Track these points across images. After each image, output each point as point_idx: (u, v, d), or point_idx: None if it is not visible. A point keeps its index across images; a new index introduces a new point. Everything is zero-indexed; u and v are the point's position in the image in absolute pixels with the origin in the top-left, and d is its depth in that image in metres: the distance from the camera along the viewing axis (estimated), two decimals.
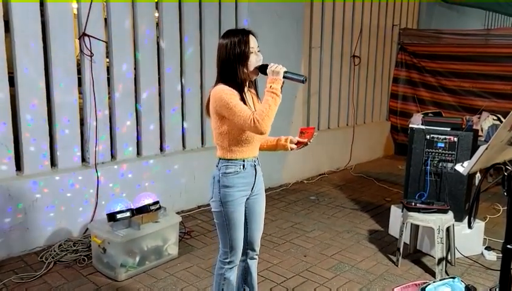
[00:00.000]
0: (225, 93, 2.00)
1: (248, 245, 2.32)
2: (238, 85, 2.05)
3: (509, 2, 6.02)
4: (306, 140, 2.18)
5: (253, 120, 1.92)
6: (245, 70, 2.06)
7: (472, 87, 6.40)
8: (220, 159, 2.15)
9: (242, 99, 2.03)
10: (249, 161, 2.15)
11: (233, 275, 2.25)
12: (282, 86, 1.98)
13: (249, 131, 2.02)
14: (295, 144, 2.23)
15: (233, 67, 2.05)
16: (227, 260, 2.22)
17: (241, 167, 2.12)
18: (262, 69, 2.05)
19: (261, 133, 1.97)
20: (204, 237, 3.81)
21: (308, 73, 5.78)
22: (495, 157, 1.64)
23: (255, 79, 2.18)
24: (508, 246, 1.71)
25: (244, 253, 2.33)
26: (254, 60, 2.06)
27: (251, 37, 2.07)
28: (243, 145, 2.10)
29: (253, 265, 2.38)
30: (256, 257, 2.38)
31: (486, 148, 1.50)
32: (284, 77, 1.96)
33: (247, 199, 2.23)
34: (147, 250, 3.25)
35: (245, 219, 2.27)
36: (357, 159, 6.59)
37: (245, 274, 2.38)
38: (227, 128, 2.06)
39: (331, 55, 6.09)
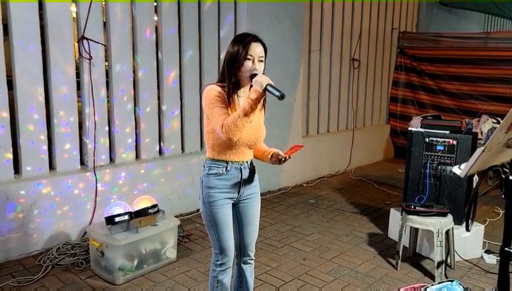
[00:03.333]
0: (211, 93, 2.04)
1: (241, 249, 2.30)
2: (229, 87, 2.07)
3: (505, 3, 6.03)
4: (283, 156, 2.09)
5: (222, 126, 1.94)
6: (238, 75, 2.06)
7: (472, 90, 6.40)
8: (207, 158, 2.18)
9: (229, 102, 2.05)
10: (234, 164, 2.13)
11: (226, 278, 2.24)
12: (261, 98, 1.92)
13: None
14: (276, 158, 2.15)
15: (229, 69, 2.07)
16: (219, 262, 2.21)
17: (224, 169, 2.12)
18: (253, 78, 2.01)
19: (229, 140, 1.97)
20: (202, 241, 3.80)
21: (307, 76, 5.79)
22: (493, 160, 1.64)
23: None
24: (506, 249, 1.70)
25: (238, 257, 2.32)
26: (247, 68, 2.03)
27: (254, 45, 2.04)
28: (226, 147, 2.09)
29: (248, 270, 2.35)
30: (251, 262, 2.35)
31: (483, 151, 1.49)
32: (265, 89, 1.91)
33: (237, 202, 2.22)
34: (145, 254, 3.24)
35: (238, 222, 2.26)
36: (356, 163, 6.58)
37: (240, 280, 2.37)
38: (212, 127, 2.08)
39: (330, 58, 6.10)
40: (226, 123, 1.93)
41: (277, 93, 1.87)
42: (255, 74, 2.00)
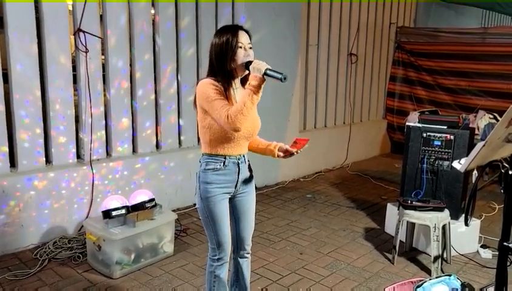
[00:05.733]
0: (208, 86, 2.01)
1: (238, 243, 2.30)
2: (224, 79, 2.04)
3: (509, 3, 6.02)
4: (294, 150, 2.12)
5: (227, 117, 1.90)
6: (232, 65, 2.04)
7: (469, 86, 6.41)
8: (203, 154, 2.15)
9: (227, 95, 2.02)
10: (232, 158, 2.11)
11: (223, 272, 2.23)
12: (262, 83, 1.90)
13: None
14: (283, 152, 2.18)
15: (220, 61, 2.04)
16: (216, 257, 2.20)
17: (222, 163, 2.10)
18: (248, 66, 1.98)
19: (235, 131, 1.95)
20: (199, 235, 3.79)
21: (305, 70, 5.77)
22: (492, 155, 1.63)
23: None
24: (505, 243, 1.71)
25: (235, 251, 2.32)
26: (241, 56, 2.02)
27: (241, 33, 2.04)
28: (224, 141, 2.07)
29: (245, 264, 2.34)
30: (248, 256, 2.35)
31: (484, 145, 1.49)
32: (265, 74, 1.89)
33: (233, 197, 2.21)
34: (142, 248, 3.23)
35: (234, 217, 2.25)
36: (353, 158, 6.59)
37: (237, 274, 2.36)
38: (209, 122, 2.05)
39: (328, 53, 6.08)
40: (231, 113, 1.89)
41: (279, 76, 1.85)
42: (250, 62, 1.98)
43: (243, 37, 2.04)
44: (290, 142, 2.20)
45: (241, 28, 2.08)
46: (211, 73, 2.10)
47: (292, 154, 2.14)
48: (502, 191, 1.69)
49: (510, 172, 1.62)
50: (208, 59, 2.12)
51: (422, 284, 2.11)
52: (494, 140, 1.52)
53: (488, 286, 2.03)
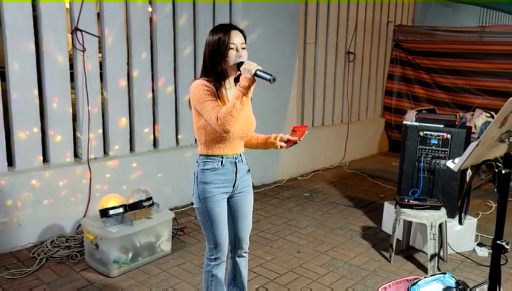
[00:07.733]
0: (199, 88, 2.01)
1: (236, 243, 2.30)
2: (216, 79, 2.04)
3: (509, 2, 6.02)
4: (296, 138, 2.15)
5: (217, 119, 1.91)
6: (223, 65, 2.03)
7: (466, 84, 6.42)
8: (200, 155, 2.15)
9: (219, 95, 2.02)
10: (229, 158, 2.12)
11: (220, 272, 2.24)
12: (252, 85, 1.90)
13: None
14: (285, 142, 2.20)
15: (212, 61, 2.04)
16: (213, 256, 2.21)
17: (219, 163, 2.10)
18: (240, 67, 1.98)
19: (225, 132, 1.95)
20: (197, 234, 3.80)
21: (302, 69, 5.78)
22: (486, 154, 1.65)
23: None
24: (498, 242, 1.72)
25: (232, 251, 2.32)
26: (233, 57, 2.01)
27: (233, 33, 2.02)
28: (220, 141, 2.08)
29: (242, 263, 2.36)
30: (245, 255, 2.36)
31: (477, 145, 1.50)
32: (255, 75, 1.89)
33: (231, 196, 2.21)
34: (139, 246, 3.24)
35: (232, 216, 2.26)
36: (351, 156, 6.60)
37: (234, 273, 2.37)
38: (203, 123, 2.05)
39: (326, 51, 6.09)
40: (220, 115, 1.90)
41: (268, 77, 1.86)
42: (241, 62, 1.98)
43: (236, 38, 2.02)
44: (287, 133, 2.23)
45: (235, 27, 2.06)
46: (204, 73, 2.09)
47: (295, 142, 2.16)
48: (496, 190, 1.71)
49: (503, 171, 1.64)
50: (203, 58, 2.11)
51: (417, 282, 2.12)
52: (487, 140, 1.53)
53: (476, 286, 2.05)
